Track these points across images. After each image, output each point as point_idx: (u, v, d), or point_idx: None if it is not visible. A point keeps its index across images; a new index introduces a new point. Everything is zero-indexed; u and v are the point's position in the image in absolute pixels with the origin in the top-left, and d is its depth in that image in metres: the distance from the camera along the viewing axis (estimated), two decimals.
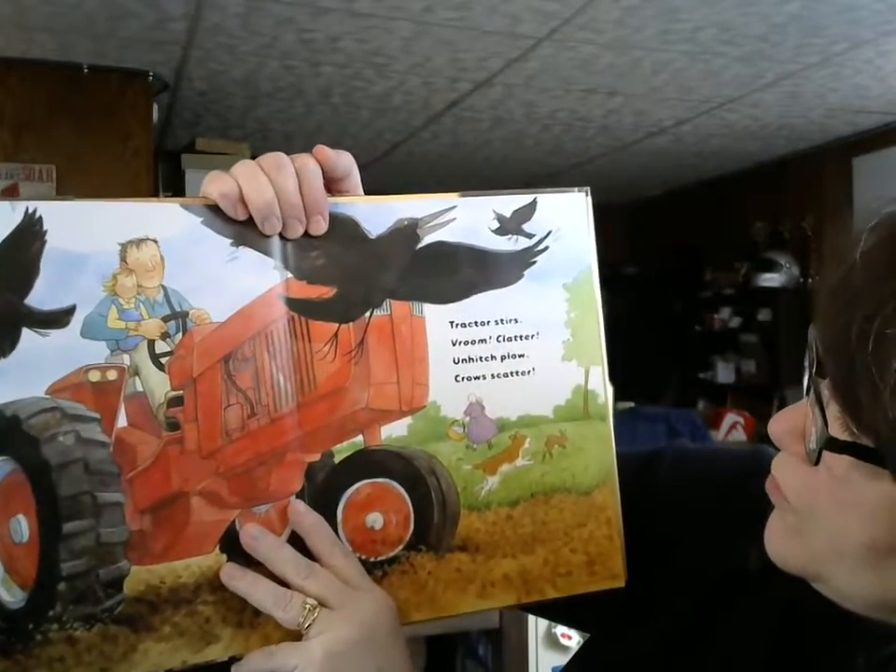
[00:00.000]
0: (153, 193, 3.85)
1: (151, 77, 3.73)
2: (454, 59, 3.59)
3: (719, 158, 5.38)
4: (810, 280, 5.30)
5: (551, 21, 3.18)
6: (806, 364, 0.53)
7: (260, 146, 4.74)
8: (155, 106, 3.81)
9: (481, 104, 4.23)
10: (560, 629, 2.05)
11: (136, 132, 3.72)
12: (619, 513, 0.68)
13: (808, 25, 3.21)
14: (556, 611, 0.73)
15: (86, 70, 3.61)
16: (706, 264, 6.01)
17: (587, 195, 0.69)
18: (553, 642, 2.06)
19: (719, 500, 0.67)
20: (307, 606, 0.58)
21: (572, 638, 2.05)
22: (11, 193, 3.55)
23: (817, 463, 0.50)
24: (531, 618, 2.03)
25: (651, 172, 5.76)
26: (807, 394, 0.52)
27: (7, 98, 3.55)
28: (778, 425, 0.54)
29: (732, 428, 5.10)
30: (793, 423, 0.53)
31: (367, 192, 0.66)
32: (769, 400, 5.20)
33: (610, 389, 0.70)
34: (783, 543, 0.55)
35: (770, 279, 5.37)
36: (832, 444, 0.49)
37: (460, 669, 2.18)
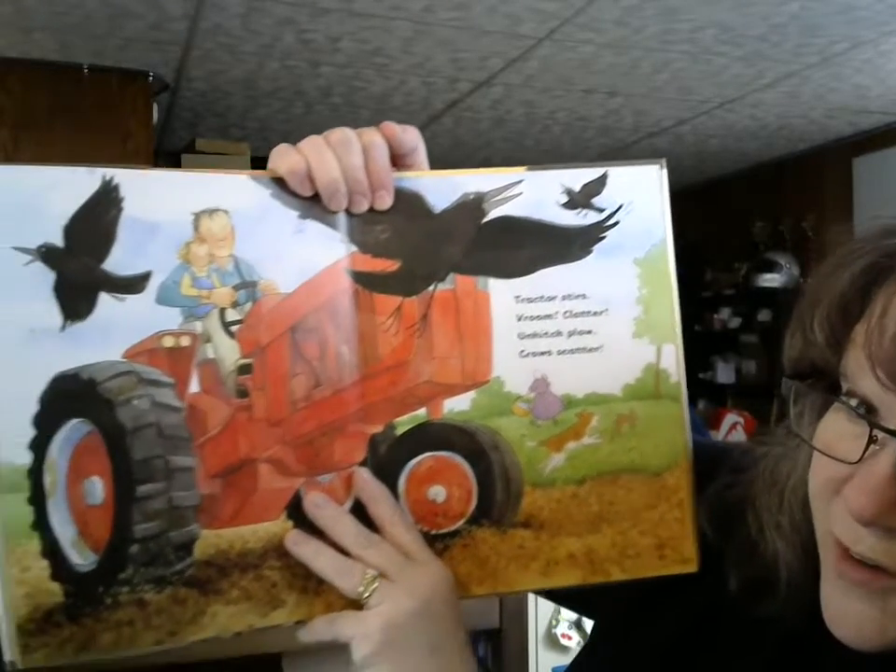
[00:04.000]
0: None
1: (151, 77, 3.72)
2: (454, 59, 3.59)
3: (719, 158, 5.38)
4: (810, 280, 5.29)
5: (551, 21, 3.18)
6: (872, 428, 0.49)
7: (260, 146, 4.74)
8: (155, 106, 3.81)
9: (481, 104, 4.23)
10: (560, 629, 2.05)
11: (136, 132, 3.71)
12: (692, 496, 0.66)
13: (808, 25, 3.21)
14: (568, 593, 0.72)
15: (86, 70, 3.61)
16: (706, 264, 6.01)
17: (662, 167, 0.67)
18: (552, 642, 2.06)
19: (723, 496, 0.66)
20: (367, 576, 0.59)
21: (572, 639, 2.05)
22: None
23: None
24: (531, 618, 2.03)
25: None
26: (868, 455, 0.49)
27: (7, 98, 3.55)
28: (871, 506, 0.48)
29: (732, 429, 5.10)
30: (882, 496, 0.48)
31: None
32: (769, 400, 5.20)
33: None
34: (881, 631, 0.51)
35: (770, 279, 5.37)
36: None
37: None
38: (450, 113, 4.37)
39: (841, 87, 3.98)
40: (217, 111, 4.33)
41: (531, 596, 2.07)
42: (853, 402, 0.51)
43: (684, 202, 6.40)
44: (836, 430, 0.53)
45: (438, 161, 0.65)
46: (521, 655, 2.02)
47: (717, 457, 0.66)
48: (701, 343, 5.92)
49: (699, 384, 5.89)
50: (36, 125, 3.57)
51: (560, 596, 0.78)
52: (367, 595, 0.58)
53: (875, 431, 0.49)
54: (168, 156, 4.36)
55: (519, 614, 2.03)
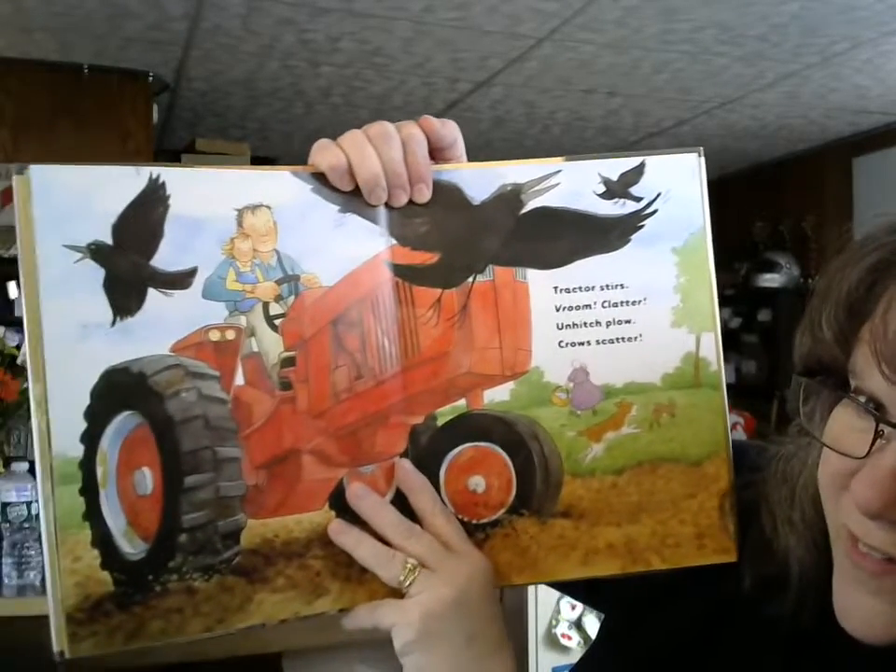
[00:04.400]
0: None
1: (151, 77, 3.72)
2: (454, 59, 3.59)
3: (719, 158, 5.37)
4: (810, 280, 5.30)
5: (551, 21, 3.18)
6: (879, 423, 0.49)
7: (260, 146, 4.74)
8: (155, 106, 3.81)
9: (481, 104, 4.23)
10: (560, 629, 2.05)
11: (136, 132, 3.71)
12: (732, 485, 0.65)
13: (808, 25, 3.21)
14: (578, 585, 0.72)
15: (86, 70, 3.61)
16: None
17: (700, 155, 0.68)
18: (553, 642, 2.06)
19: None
20: (408, 566, 0.60)
21: (572, 639, 2.05)
22: (11, 193, 3.54)
23: None
24: (531, 618, 2.03)
25: None
26: (875, 449, 0.49)
27: (7, 98, 3.55)
28: (877, 499, 0.49)
29: (732, 429, 5.08)
30: (888, 489, 0.49)
31: None
32: (769, 401, 5.20)
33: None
34: (890, 625, 0.51)
35: (770, 279, 5.37)
36: None
37: None
38: (450, 113, 4.37)
39: (841, 87, 3.98)
40: (217, 111, 4.33)
41: (531, 596, 2.07)
42: (861, 399, 0.51)
43: None
44: (845, 426, 0.53)
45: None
46: (521, 655, 2.02)
47: (735, 456, 0.66)
48: None
49: None
50: (36, 125, 3.57)
51: (573, 588, 0.78)
52: (407, 583, 0.59)
53: (882, 426, 0.49)
54: (168, 156, 4.36)
55: (519, 614, 2.03)
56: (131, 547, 0.57)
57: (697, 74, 3.77)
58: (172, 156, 4.29)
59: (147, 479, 0.58)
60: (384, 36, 3.33)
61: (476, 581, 0.61)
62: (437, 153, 0.64)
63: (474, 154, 0.65)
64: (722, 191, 6.02)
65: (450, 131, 0.64)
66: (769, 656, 0.61)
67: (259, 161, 4.39)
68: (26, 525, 1.94)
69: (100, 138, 3.64)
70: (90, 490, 0.57)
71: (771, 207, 5.58)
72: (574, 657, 1.99)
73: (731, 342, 5.80)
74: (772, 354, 5.39)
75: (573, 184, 0.65)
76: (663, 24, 3.21)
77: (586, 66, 3.68)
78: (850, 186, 5.01)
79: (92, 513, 0.57)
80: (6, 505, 1.95)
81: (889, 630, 0.51)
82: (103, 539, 0.57)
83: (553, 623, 2.04)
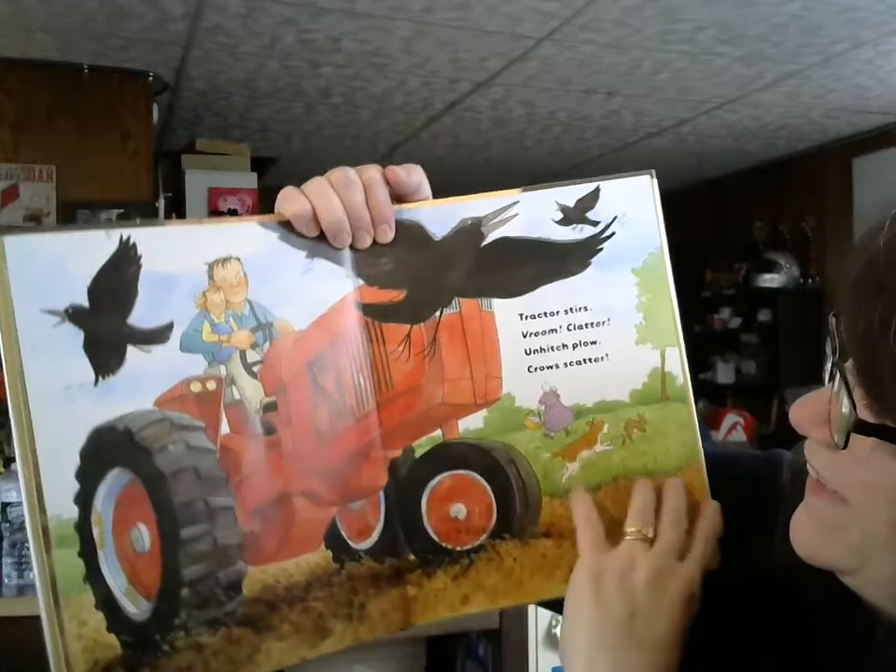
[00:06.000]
0: (153, 193, 3.85)
1: (151, 78, 3.73)
2: (454, 59, 3.59)
3: (719, 158, 5.37)
4: (810, 280, 5.30)
5: (551, 21, 3.18)
6: (828, 351, 0.53)
7: (260, 146, 4.75)
8: (155, 107, 3.81)
9: (481, 104, 4.23)
10: (560, 629, 2.04)
11: (136, 132, 3.71)
12: (707, 494, 0.67)
13: (808, 25, 3.21)
14: None
15: (86, 70, 3.61)
16: (706, 264, 6.01)
17: (652, 177, 0.69)
18: (553, 642, 2.06)
19: (740, 502, 0.67)
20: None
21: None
22: (11, 194, 3.55)
23: (845, 446, 0.51)
24: (531, 618, 2.03)
25: None
26: (829, 381, 0.53)
27: (7, 98, 3.55)
28: (800, 412, 0.55)
29: (732, 429, 5.10)
30: (814, 409, 0.54)
31: None
32: (769, 401, 5.20)
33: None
34: (815, 538, 0.55)
35: (770, 279, 5.37)
36: (860, 427, 0.50)
37: (460, 669, 2.18)
38: (450, 113, 4.37)
39: (841, 87, 3.98)
40: (217, 111, 4.33)
41: None
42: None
43: (684, 202, 6.42)
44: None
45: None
46: (521, 655, 2.02)
47: (730, 466, 0.69)
48: (701, 343, 5.92)
49: (699, 384, 5.90)
50: (36, 125, 3.57)
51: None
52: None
53: (836, 360, 0.53)
54: (168, 156, 4.36)
55: (519, 614, 2.03)
56: (134, 607, 0.57)
57: (697, 74, 3.77)
58: (172, 156, 4.29)
59: (144, 536, 0.58)
60: (384, 36, 3.33)
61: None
62: (404, 198, 0.65)
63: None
64: (722, 191, 6.03)
65: (415, 177, 0.65)
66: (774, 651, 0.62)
67: (259, 161, 4.40)
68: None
69: (100, 138, 3.64)
70: (88, 552, 0.57)
71: (771, 207, 5.58)
72: None
73: (731, 342, 5.80)
74: (772, 354, 5.39)
75: (531, 213, 0.67)
76: (663, 24, 3.21)
77: (586, 66, 3.68)
78: (850, 186, 5.01)
79: (93, 575, 0.56)
80: (6, 505, 1.95)
81: (808, 542, 0.56)
82: (106, 600, 0.56)
83: (553, 622, 2.04)
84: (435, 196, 0.67)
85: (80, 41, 3.38)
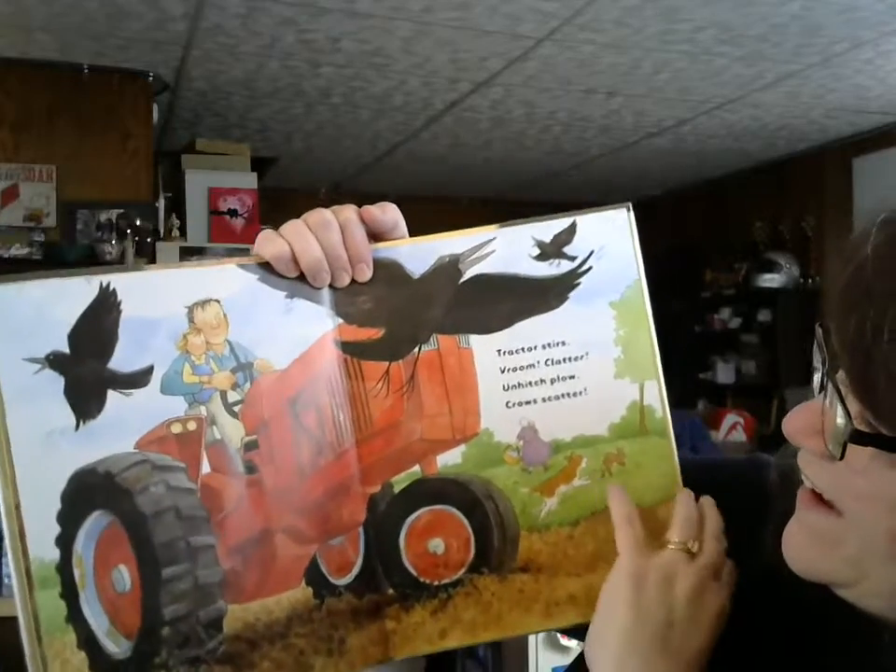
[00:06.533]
0: (153, 193, 3.85)
1: (151, 78, 3.73)
2: (454, 59, 3.59)
3: (719, 158, 5.38)
4: (810, 280, 5.30)
5: (551, 21, 3.18)
6: (817, 362, 0.53)
7: (260, 146, 4.75)
8: (155, 106, 3.81)
9: (481, 104, 4.23)
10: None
11: (136, 132, 3.72)
12: None
13: (808, 25, 3.21)
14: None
15: (86, 70, 3.62)
16: (706, 264, 6.01)
17: (629, 210, 0.69)
18: (552, 643, 2.06)
19: (729, 503, 0.67)
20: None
21: (572, 639, 2.05)
22: (11, 194, 3.55)
23: (842, 457, 0.51)
24: None
25: (650, 172, 5.75)
26: (821, 391, 0.53)
27: (7, 98, 3.56)
28: (793, 423, 0.55)
29: (732, 429, 5.10)
30: (807, 420, 0.54)
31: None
32: (769, 401, 5.20)
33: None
34: (809, 551, 0.55)
35: (770, 279, 5.37)
36: (857, 437, 0.50)
37: (460, 669, 2.18)
38: (450, 113, 4.37)
39: (841, 87, 3.98)
40: (217, 111, 4.33)
41: None
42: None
43: (684, 202, 6.43)
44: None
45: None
46: (521, 655, 2.03)
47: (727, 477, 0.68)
48: (701, 343, 5.92)
49: (699, 384, 5.90)
50: (36, 125, 3.58)
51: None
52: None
53: (827, 370, 0.52)
54: (168, 156, 4.36)
55: None
56: (115, 646, 0.58)
57: (697, 74, 3.77)
58: (172, 156, 4.29)
59: (125, 576, 0.59)
60: (384, 36, 3.33)
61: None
62: (380, 237, 0.66)
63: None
64: (722, 192, 6.03)
65: (389, 215, 0.66)
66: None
67: (259, 161, 4.40)
68: None
69: (100, 138, 3.65)
70: (69, 593, 0.57)
71: (771, 207, 5.58)
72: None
73: (731, 342, 5.80)
74: (772, 354, 5.39)
75: (508, 249, 0.67)
76: (663, 24, 3.21)
77: (586, 66, 3.68)
78: (850, 186, 5.02)
79: (75, 616, 0.57)
80: None
81: (801, 555, 0.55)
82: (87, 640, 0.57)
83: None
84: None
85: (80, 41, 3.38)
